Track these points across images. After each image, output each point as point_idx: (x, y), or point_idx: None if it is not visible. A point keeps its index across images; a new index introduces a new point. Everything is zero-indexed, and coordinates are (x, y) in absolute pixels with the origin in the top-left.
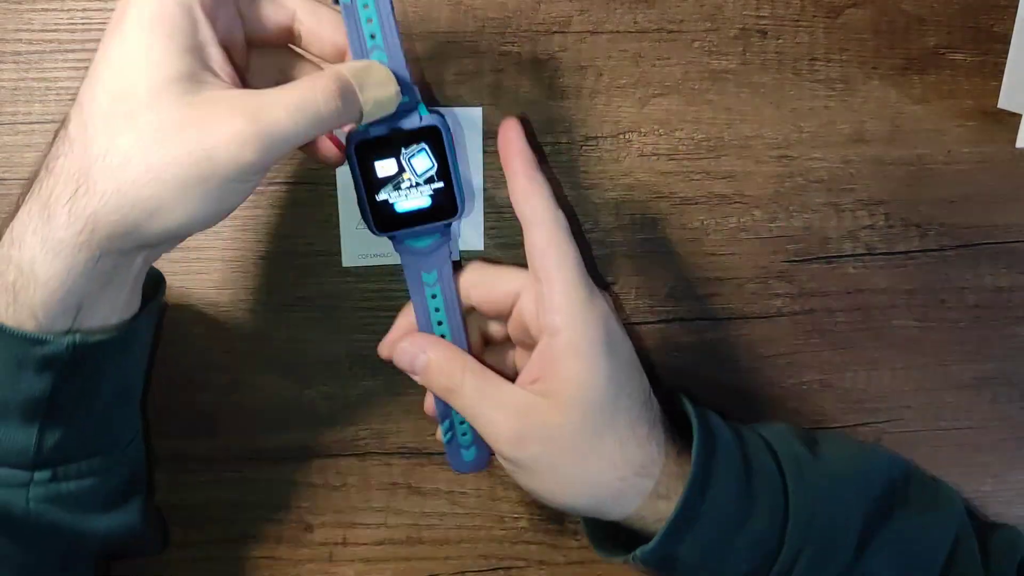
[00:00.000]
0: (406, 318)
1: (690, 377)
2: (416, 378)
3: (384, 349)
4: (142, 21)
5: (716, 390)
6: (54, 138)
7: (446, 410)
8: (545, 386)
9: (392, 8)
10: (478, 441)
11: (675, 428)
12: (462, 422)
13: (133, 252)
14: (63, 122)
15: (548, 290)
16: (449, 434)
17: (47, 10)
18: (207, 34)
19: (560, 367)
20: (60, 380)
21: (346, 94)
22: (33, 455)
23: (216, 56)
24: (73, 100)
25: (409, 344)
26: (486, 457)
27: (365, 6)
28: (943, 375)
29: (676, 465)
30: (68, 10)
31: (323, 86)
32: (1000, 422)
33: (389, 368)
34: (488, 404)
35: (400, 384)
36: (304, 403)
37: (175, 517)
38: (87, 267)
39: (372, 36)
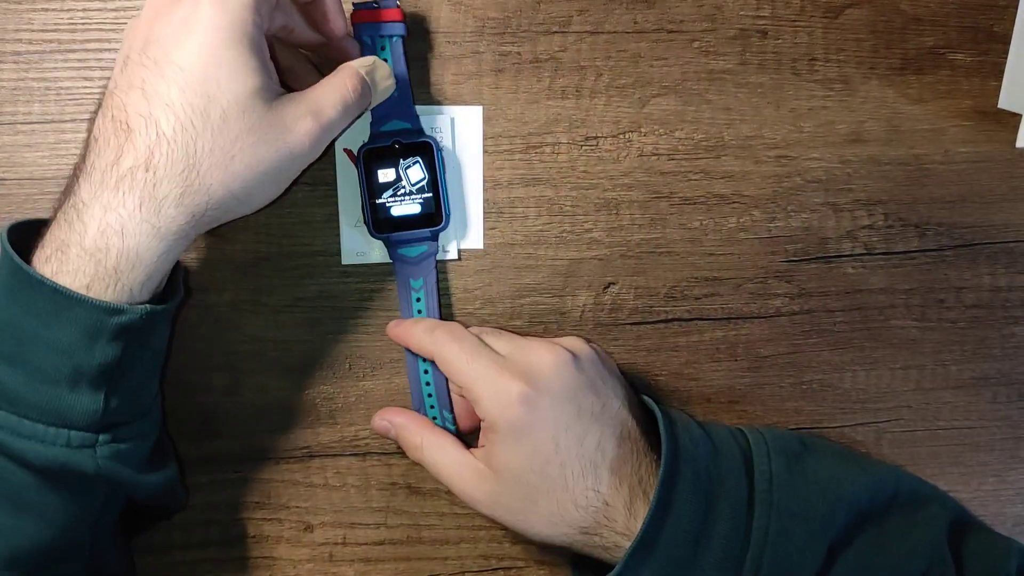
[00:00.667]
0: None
1: (690, 377)
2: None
3: (391, 329)
4: (227, 36)
5: (716, 390)
6: (124, 131)
7: (419, 404)
8: (486, 455)
9: (404, 51)
10: None
11: (648, 440)
12: (434, 418)
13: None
14: (132, 120)
15: (467, 390)
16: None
17: (47, 10)
18: (267, 46)
19: (490, 446)
20: (128, 347)
21: (365, 88)
22: (100, 418)
23: (271, 63)
24: (71, 97)
25: (379, 417)
26: None
27: (382, 48)
28: (942, 375)
29: (636, 502)
30: (68, 10)
31: (352, 85)
32: (999, 421)
33: (389, 368)
34: (444, 468)
35: (400, 384)
36: (304, 403)
37: (176, 518)
38: (181, 247)
39: None
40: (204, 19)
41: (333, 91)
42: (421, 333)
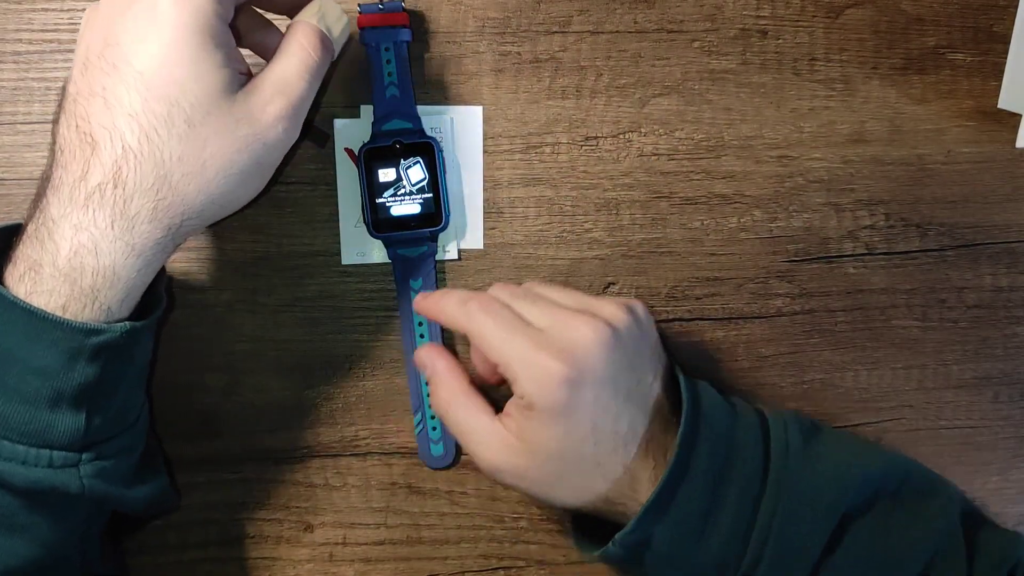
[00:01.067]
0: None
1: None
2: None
3: (419, 303)
4: (189, 33)
5: (717, 390)
6: (89, 144)
7: (419, 402)
8: (517, 428)
9: (408, 55)
10: (446, 439)
11: (674, 411)
12: (432, 416)
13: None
14: (96, 132)
15: (504, 368)
16: (420, 426)
17: (47, 10)
18: (231, 34)
19: (524, 422)
20: (108, 365)
21: (324, 40)
22: (82, 437)
23: (236, 50)
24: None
25: (425, 352)
26: (452, 455)
27: (387, 48)
28: (944, 374)
29: (660, 471)
30: (68, 10)
31: (311, 43)
32: (1001, 421)
33: (389, 368)
34: (471, 435)
35: (400, 384)
36: (304, 403)
37: (175, 518)
38: (161, 260)
39: (389, 74)
40: (163, 15)
41: (294, 58)
42: (453, 306)
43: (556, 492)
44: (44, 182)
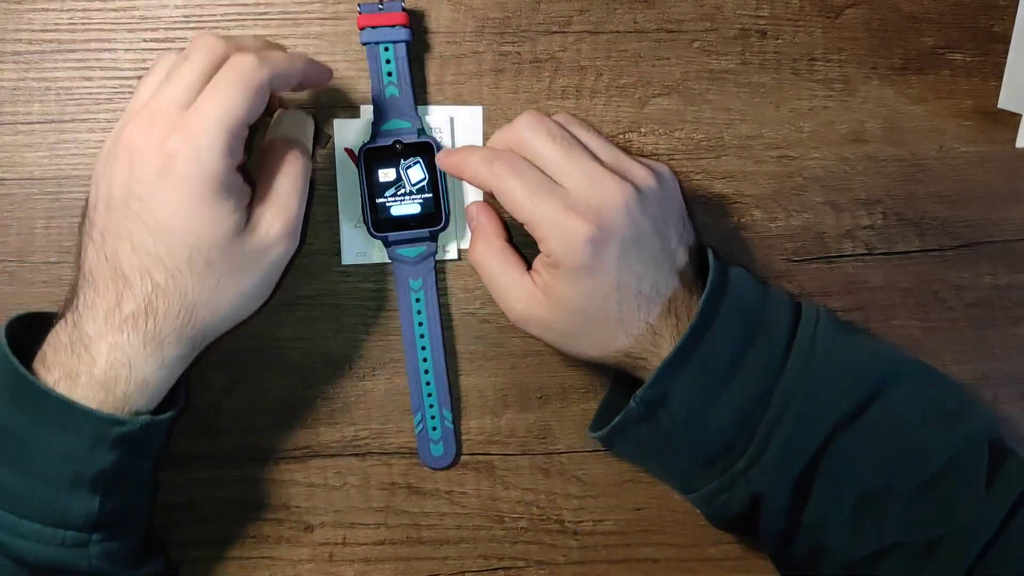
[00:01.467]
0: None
1: None
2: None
3: (442, 158)
4: (205, 188)
5: None
6: (121, 279)
7: (419, 402)
8: (543, 283)
9: (408, 55)
10: (446, 439)
11: (701, 281)
12: (433, 417)
13: None
14: (127, 270)
15: (531, 227)
16: (420, 426)
17: (47, 10)
18: (240, 176)
19: (550, 279)
20: (126, 454)
21: (302, 150)
22: (95, 519)
23: (245, 187)
24: (71, 97)
25: (475, 206)
26: (452, 455)
27: (386, 48)
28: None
29: (683, 330)
30: (68, 10)
31: (292, 158)
32: (1000, 421)
33: (389, 368)
34: (502, 285)
35: (400, 384)
36: (304, 403)
37: (175, 517)
38: (183, 368)
39: (389, 74)
40: (179, 173)
41: (283, 179)
42: (478, 164)
43: (580, 344)
44: (74, 296)
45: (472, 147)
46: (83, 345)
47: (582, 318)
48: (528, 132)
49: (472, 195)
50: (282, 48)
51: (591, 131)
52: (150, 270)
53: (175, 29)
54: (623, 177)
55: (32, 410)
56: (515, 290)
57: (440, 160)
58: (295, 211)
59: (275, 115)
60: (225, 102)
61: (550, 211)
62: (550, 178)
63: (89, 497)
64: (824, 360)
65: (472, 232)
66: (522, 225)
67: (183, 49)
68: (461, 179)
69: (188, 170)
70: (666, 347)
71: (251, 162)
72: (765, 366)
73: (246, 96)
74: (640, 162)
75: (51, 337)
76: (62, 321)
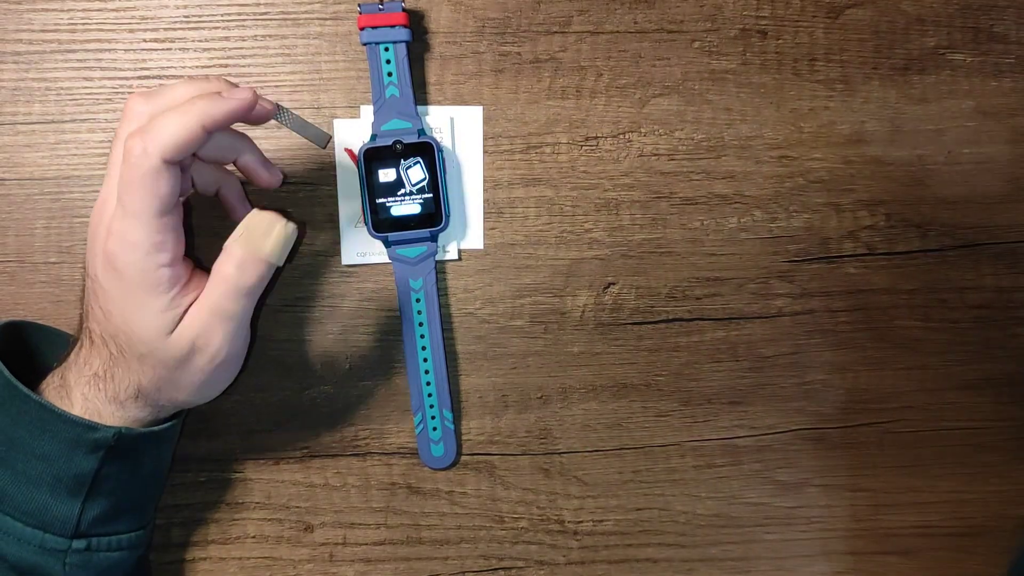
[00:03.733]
0: None
1: (691, 377)
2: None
3: None
4: (137, 284)
5: (717, 390)
6: (89, 339)
7: (419, 402)
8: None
9: (408, 55)
10: (446, 439)
11: None
12: (433, 417)
13: None
14: (94, 333)
15: None
16: (420, 426)
17: (47, 10)
18: (178, 268)
19: None
20: (107, 463)
21: (251, 264)
22: (74, 525)
23: (184, 271)
24: (71, 97)
25: None
26: (453, 455)
27: (386, 48)
28: (945, 375)
29: None
30: (68, 10)
31: (236, 269)
32: (1004, 422)
33: (389, 368)
34: None
35: (400, 384)
36: (304, 403)
37: (175, 517)
38: (159, 417)
39: (389, 74)
40: (118, 265)
41: (221, 287)
42: None
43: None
44: (74, 341)
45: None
46: (65, 390)
47: None
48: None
49: (472, 195)
50: (230, 84)
51: None
52: (107, 341)
53: (175, 29)
54: None
55: (14, 411)
56: None
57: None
58: (234, 318)
59: (246, 217)
60: (129, 206)
61: None
62: None
63: (70, 501)
64: None
65: None
66: None
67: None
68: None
69: (122, 262)
70: None
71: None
72: None
73: (144, 192)
74: None
75: (51, 376)
76: (59, 366)
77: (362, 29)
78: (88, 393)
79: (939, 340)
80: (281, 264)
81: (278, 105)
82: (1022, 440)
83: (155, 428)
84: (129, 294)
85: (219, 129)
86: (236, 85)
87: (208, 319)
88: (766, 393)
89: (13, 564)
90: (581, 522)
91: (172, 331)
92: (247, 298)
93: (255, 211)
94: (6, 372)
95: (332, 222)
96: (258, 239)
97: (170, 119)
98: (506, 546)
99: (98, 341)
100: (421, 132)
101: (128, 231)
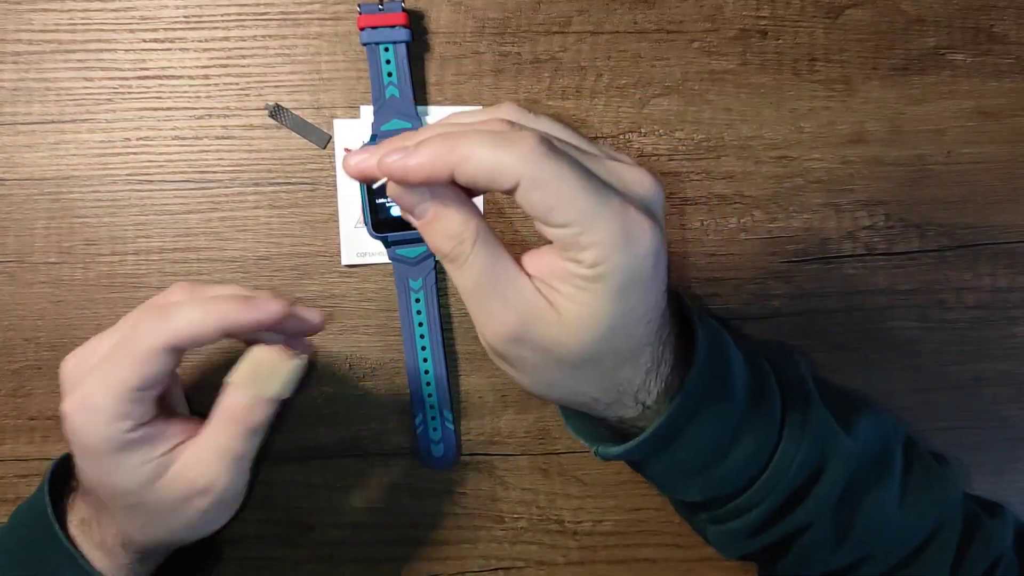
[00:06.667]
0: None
1: None
2: (413, 223)
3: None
4: (104, 448)
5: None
6: (78, 483)
7: (419, 402)
8: (554, 296)
9: (408, 55)
10: (446, 439)
11: (681, 348)
12: (433, 417)
13: None
14: (82, 477)
15: (583, 228)
16: (420, 427)
17: (47, 10)
18: (153, 425)
19: (573, 289)
20: None
21: (254, 406)
22: None
23: (167, 429)
24: (71, 97)
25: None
26: (453, 455)
27: (386, 48)
28: (942, 375)
29: (667, 396)
30: (68, 10)
31: (238, 412)
32: (999, 422)
33: (389, 368)
34: (493, 291)
35: (400, 384)
36: (304, 403)
37: None
38: (153, 567)
39: (389, 75)
40: (75, 437)
41: (222, 436)
42: (484, 148)
43: (561, 385)
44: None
45: (448, 125)
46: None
47: (601, 345)
48: (527, 119)
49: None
50: (250, 295)
51: (577, 133)
52: (90, 490)
53: (175, 29)
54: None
55: (45, 542)
56: (514, 296)
57: (354, 164)
58: (226, 474)
59: (246, 353)
60: (110, 371)
61: (606, 205)
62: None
63: None
64: (812, 444)
65: (422, 223)
66: None
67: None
68: (426, 182)
69: (78, 438)
70: (640, 407)
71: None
72: (758, 438)
73: (133, 365)
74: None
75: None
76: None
77: (362, 29)
78: (77, 536)
79: (936, 340)
80: (288, 395)
81: (278, 105)
82: (1017, 441)
83: None
84: (95, 458)
85: (237, 335)
86: (280, 296)
87: (214, 460)
88: None
89: None
90: (580, 522)
91: (161, 477)
92: (257, 436)
93: (258, 348)
94: (51, 516)
95: (332, 222)
96: (265, 380)
97: (191, 309)
98: (506, 546)
99: (82, 488)
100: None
101: (95, 394)
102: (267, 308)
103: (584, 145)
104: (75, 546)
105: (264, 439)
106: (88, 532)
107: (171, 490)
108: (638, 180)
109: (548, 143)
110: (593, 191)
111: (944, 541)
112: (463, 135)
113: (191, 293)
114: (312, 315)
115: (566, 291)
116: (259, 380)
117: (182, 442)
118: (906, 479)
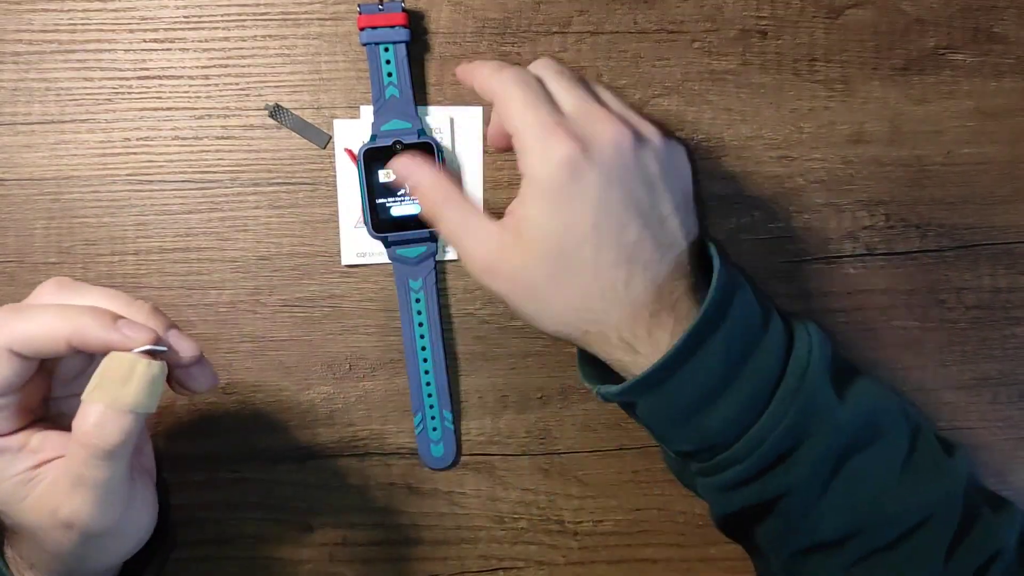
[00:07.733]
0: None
1: None
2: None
3: (459, 70)
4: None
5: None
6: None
7: (419, 403)
8: (515, 223)
9: (408, 55)
10: (446, 439)
11: (697, 280)
12: (433, 417)
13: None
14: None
15: (516, 138)
16: (420, 427)
17: (47, 10)
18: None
19: (523, 209)
20: None
21: (105, 421)
22: None
23: (29, 437)
24: (71, 97)
25: (408, 159)
26: (452, 455)
27: (386, 49)
28: (943, 375)
29: (659, 332)
30: (68, 10)
31: (90, 428)
32: (1000, 422)
33: (389, 368)
34: (464, 234)
35: (400, 384)
36: (304, 403)
37: (175, 517)
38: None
39: (389, 75)
40: None
41: (81, 452)
42: (488, 70)
43: (551, 304)
44: None
45: (488, 61)
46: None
47: (554, 263)
48: (542, 67)
49: (472, 194)
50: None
51: (606, 87)
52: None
53: (175, 29)
54: (626, 122)
55: None
56: (481, 233)
57: (458, 71)
58: (87, 506)
59: (101, 362)
60: None
61: (538, 124)
62: (553, 100)
63: None
64: (803, 410)
65: (415, 189)
66: None
67: None
68: (470, 85)
69: None
70: (643, 344)
71: None
72: (748, 402)
73: None
74: (654, 126)
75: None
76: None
77: (362, 29)
78: (11, 559)
79: (936, 340)
80: (153, 411)
81: (278, 105)
82: (1018, 440)
83: None
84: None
85: (87, 352)
86: (159, 313)
87: (69, 490)
88: None
89: None
90: (581, 522)
91: (26, 498)
92: (113, 460)
93: (111, 354)
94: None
95: (332, 222)
96: (117, 386)
97: (44, 315)
98: (506, 546)
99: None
100: (421, 132)
101: None
102: (127, 332)
103: (607, 95)
104: (7, 566)
105: (152, 462)
106: (11, 553)
107: (39, 516)
108: (599, 124)
109: (526, 77)
110: (534, 110)
111: (940, 527)
112: (483, 64)
113: (58, 294)
114: (184, 346)
115: (518, 212)
116: (109, 388)
117: (50, 460)
118: (909, 458)
